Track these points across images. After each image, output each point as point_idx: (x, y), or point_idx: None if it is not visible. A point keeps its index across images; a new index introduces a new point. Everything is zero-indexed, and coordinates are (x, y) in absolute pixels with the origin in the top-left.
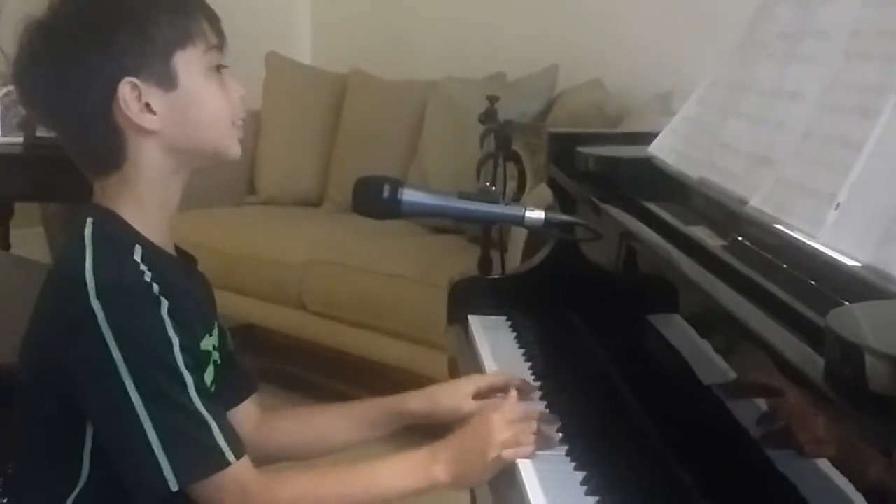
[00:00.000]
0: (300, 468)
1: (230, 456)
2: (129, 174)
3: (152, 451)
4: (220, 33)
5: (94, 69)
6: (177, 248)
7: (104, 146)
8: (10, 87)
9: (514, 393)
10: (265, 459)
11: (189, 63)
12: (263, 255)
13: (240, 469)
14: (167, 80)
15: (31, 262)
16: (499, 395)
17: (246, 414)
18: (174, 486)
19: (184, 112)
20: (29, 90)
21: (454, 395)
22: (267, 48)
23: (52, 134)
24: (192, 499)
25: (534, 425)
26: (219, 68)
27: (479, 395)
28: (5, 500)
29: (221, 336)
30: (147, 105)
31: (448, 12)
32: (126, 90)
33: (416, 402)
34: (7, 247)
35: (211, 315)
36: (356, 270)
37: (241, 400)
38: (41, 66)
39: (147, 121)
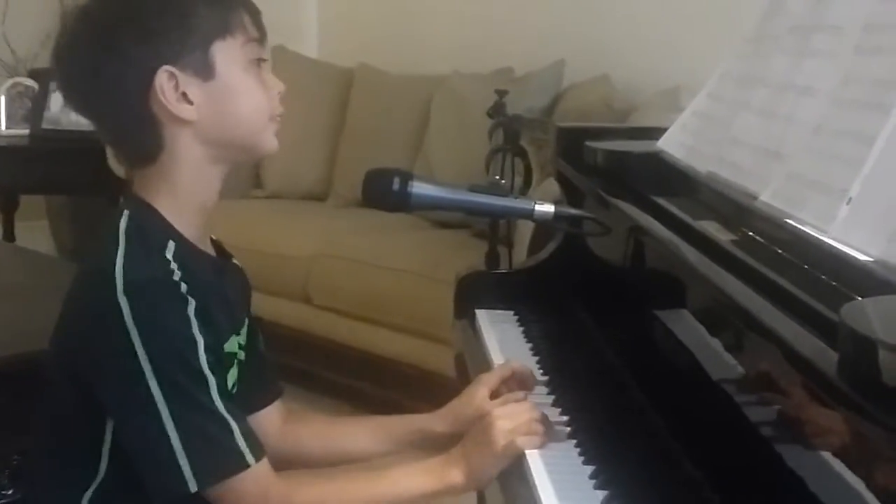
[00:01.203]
0: (317, 473)
1: (250, 458)
2: (165, 165)
3: (173, 451)
4: (260, 27)
5: (131, 57)
6: (214, 243)
7: (140, 135)
8: (16, 80)
9: (518, 394)
10: (285, 465)
11: (227, 54)
12: (269, 248)
13: (259, 471)
14: (205, 70)
15: (36, 253)
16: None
17: (270, 418)
18: (193, 488)
19: (220, 103)
20: (67, 76)
21: (472, 404)
22: (274, 42)
23: (57, 127)
24: (210, 501)
25: (537, 415)
26: (258, 62)
27: (494, 393)
28: (10, 492)
29: (251, 334)
30: (184, 94)
31: (455, 7)
32: (163, 78)
33: (440, 423)
34: (12, 239)
35: (240, 313)
36: (362, 265)
37: (267, 404)
38: (80, 53)
39: (183, 110)
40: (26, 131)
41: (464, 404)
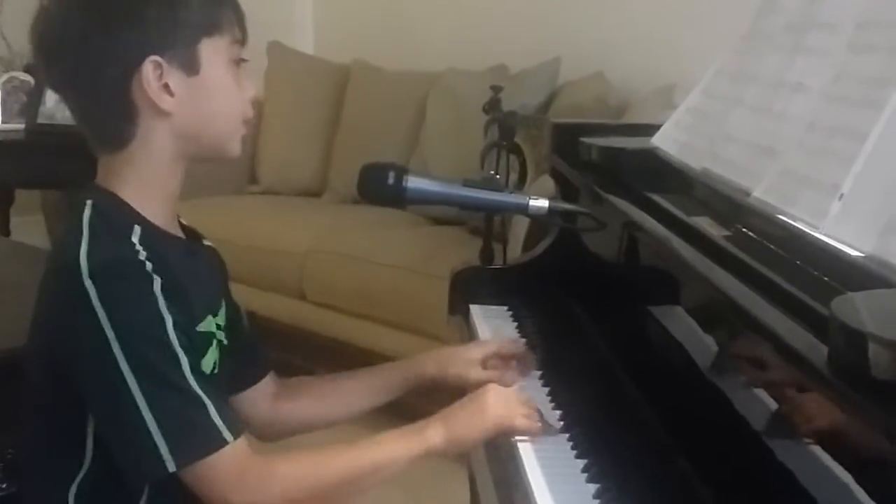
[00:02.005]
0: (297, 447)
1: (227, 435)
2: (134, 154)
3: (148, 432)
4: (244, 30)
5: (122, 41)
6: (184, 227)
7: (116, 120)
8: (12, 74)
9: (517, 380)
10: (282, 434)
11: (213, 52)
12: (264, 244)
13: (237, 449)
14: (190, 65)
15: (30, 247)
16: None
17: (261, 394)
18: (172, 468)
19: (200, 99)
20: (50, 50)
21: (464, 362)
22: (269, 38)
23: (53, 121)
24: (186, 481)
25: (533, 407)
26: (239, 63)
27: (486, 362)
28: (4, 485)
29: (231, 315)
30: (166, 86)
31: (450, 4)
32: (150, 68)
33: (428, 365)
34: (7, 233)
35: (217, 294)
36: (356, 260)
37: (258, 380)
38: (69, 30)
39: (164, 101)
40: (22, 126)
41: (454, 357)
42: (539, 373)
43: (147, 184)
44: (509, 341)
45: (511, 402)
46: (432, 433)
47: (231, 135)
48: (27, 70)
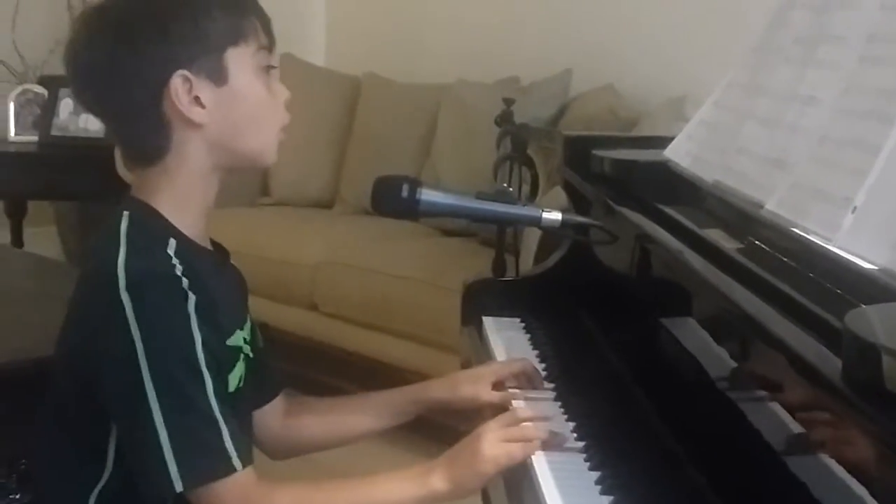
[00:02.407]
0: (300, 478)
1: (237, 463)
2: (170, 167)
3: (161, 449)
4: (270, 35)
5: (148, 58)
6: (212, 242)
7: (150, 136)
8: (26, 86)
9: (515, 404)
10: (291, 452)
11: (240, 60)
12: (276, 255)
13: (244, 477)
14: (218, 75)
15: (44, 259)
16: (514, 385)
17: (274, 412)
18: (179, 488)
19: (231, 108)
20: (81, 74)
21: (474, 385)
22: (281, 50)
23: (66, 134)
24: (190, 500)
25: (531, 430)
26: (268, 69)
27: (498, 384)
28: (18, 496)
29: (253, 331)
30: (196, 98)
31: (462, 16)
32: (178, 82)
33: (437, 389)
34: (20, 244)
35: (243, 308)
36: (368, 272)
37: (272, 398)
38: (97, 49)
39: (195, 114)
40: (35, 138)
41: (465, 380)
42: (551, 385)
43: (182, 195)
44: (518, 361)
45: (509, 436)
46: (437, 480)
47: (266, 142)
48: (41, 82)
